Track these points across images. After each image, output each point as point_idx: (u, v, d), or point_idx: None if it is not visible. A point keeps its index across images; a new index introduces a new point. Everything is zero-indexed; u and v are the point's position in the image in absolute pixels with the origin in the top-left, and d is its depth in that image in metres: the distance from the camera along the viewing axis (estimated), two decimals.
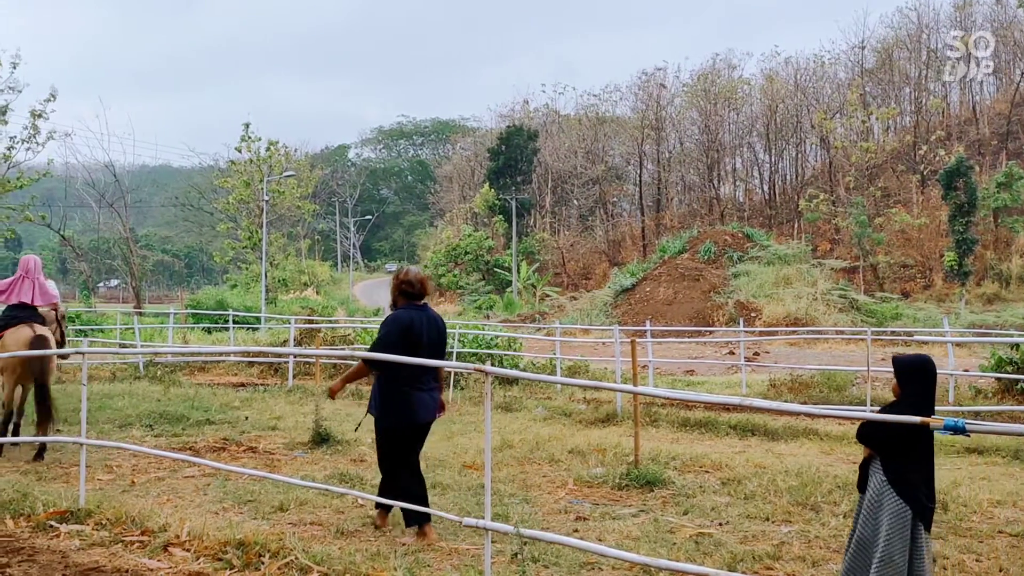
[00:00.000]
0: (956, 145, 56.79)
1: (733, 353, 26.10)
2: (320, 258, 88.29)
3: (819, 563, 6.11)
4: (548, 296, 59.14)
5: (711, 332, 30.35)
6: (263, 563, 5.83)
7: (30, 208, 38.60)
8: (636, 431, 9.31)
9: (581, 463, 9.65)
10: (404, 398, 6.69)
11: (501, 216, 71.21)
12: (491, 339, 19.79)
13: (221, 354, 20.47)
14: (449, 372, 16.41)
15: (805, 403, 14.11)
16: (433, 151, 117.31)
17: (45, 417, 10.07)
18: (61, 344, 11.07)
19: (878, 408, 5.76)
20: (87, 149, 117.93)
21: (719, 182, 73.70)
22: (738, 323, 27.12)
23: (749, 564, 6.07)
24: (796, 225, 61.84)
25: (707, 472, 9.21)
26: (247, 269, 57.62)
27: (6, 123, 36.23)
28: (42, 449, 9.85)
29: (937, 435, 4.55)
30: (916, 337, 21.92)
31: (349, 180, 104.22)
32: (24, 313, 10.46)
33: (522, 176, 73.07)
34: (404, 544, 6.52)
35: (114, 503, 7.21)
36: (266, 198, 48.96)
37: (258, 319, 31.41)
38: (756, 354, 26.54)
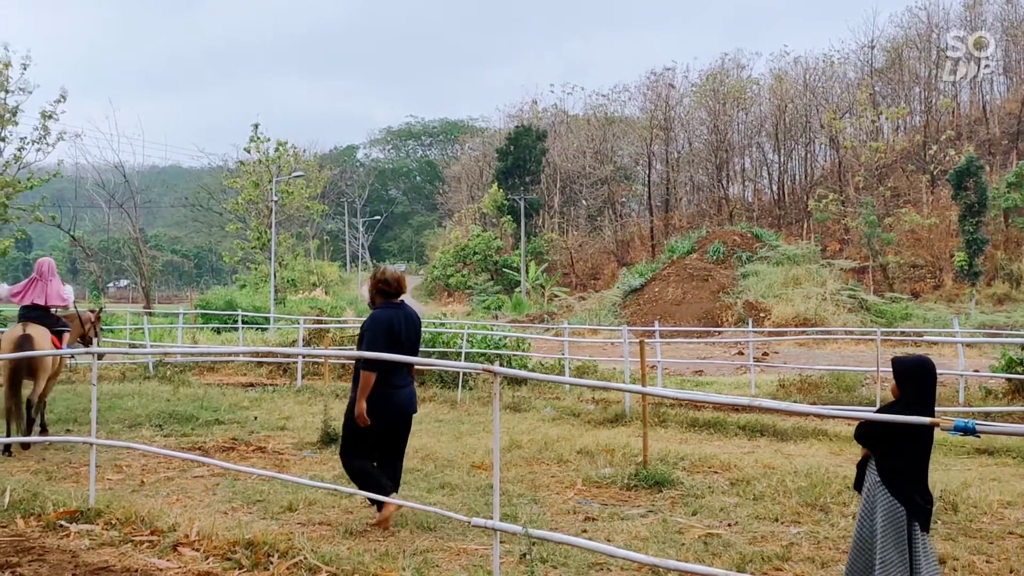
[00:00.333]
0: (966, 145, 56.61)
1: (742, 353, 26.05)
2: (329, 258, 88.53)
3: (828, 564, 6.09)
4: (557, 296, 59.16)
5: (720, 332, 30.30)
6: (272, 563, 5.83)
7: (40, 209, 38.78)
8: (645, 431, 9.29)
9: (590, 463, 9.64)
10: (384, 395, 6.86)
11: (510, 216, 71.23)
12: (500, 339, 19.77)
13: (230, 354, 20.50)
14: (458, 372, 16.44)
15: (814, 404, 14.07)
16: (441, 151, 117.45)
17: (23, 415, 10.34)
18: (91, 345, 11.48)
19: (875, 409, 5.75)
20: (97, 150, 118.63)
21: (728, 182, 73.65)
22: (747, 323, 27.07)
23: (758, 565, 6.05)
24: (805, 225, 61.72)
25: (716, 473, 9.19)
26: (256, 269, 57.72)
27: (17, 124, 36.42)
28: (7, 447, 9.98)
29: (947, 436, 4.53)
30: (926, 337, 21.84)
31: (358, 180, 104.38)
32: (34, 313, 10.73)
33: (531, 176, 73.08)
34: (376, 525, 6.78)
35: (124, 503, 7.23)
36: (275, 198, 49.05)
37: (267, 319, 31.45)
38: (765, 354, 26.48)
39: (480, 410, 14.38)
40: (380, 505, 6.94)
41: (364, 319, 7.47)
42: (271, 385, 17.89)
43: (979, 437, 5.30)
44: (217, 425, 12.23)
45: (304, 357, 18.25)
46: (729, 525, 7.14)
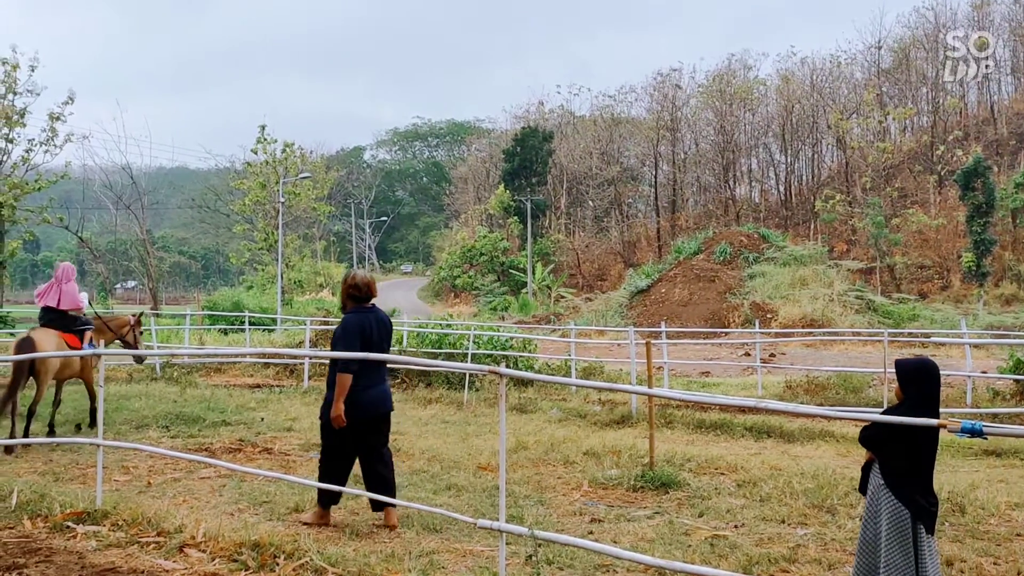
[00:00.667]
0: (974, 145, 56.45)
1: (749, 354, 26.02)
2: (336, 259, 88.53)
3: (835, 566, 6.08)
4: (563, 297, 59.13)
5: (726, 333, 30.24)
6: (278, 564, 5.84)
7: (48, 210, 38.94)
8: (651, 433, 9.28)
9: (596, 465, 9.63)
10: (358, 396, 6.97)
11: (516, 217, 71.22)
12: (506, 340, 19.76)
13: (237, 355, 20.51)
14: (464, 373, 16.45)
15: (821, 405, 14.04)
16: (448, 152, 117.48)
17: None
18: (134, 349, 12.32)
19: (881, 412, 5.75)
20: (104, 151, 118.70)
21: (735, 183, 73.50)
22: (754, 324, 26.99)
23: (764, 567, 6.04)
24: (812, 226, 61.60)
25: (722, 474, 9.18)
26: (263, 270, 57.83)
27: (24, 126, 36.60)
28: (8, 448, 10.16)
29: (955, 438, 4.53)
30: (933, 339, 21.74)
31: (364, 182, 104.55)
32: (49, 316, 11.25)
33: (537, 177, 73.05)
34: (305, 523, 6.97)
35: (130, 504, 7.24)
36: (282, 200, 49.13)
37: (274, 320, 31.49)
38: (772, 355, 26.45)
39: (487, 411, 14.38)
40: (325, 503, 7.17)
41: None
42: (278, 386, 17.91)
43: (986, 439, 5.30)
44: (224, 426, 12.25)
45: (311, 358, 18.27)
46: (735, 527, 7.13)
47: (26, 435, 10.66)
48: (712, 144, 73.86)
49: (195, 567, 5.87)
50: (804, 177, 72.07)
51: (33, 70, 36.06)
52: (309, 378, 18.11)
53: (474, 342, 18.65)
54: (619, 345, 22.69)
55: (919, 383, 4.73)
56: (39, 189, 36.79)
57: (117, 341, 12.42)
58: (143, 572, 5.83)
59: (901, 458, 4.66)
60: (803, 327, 33.78)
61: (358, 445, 7.11)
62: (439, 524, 6.98)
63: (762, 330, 25.85)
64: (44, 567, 5.91)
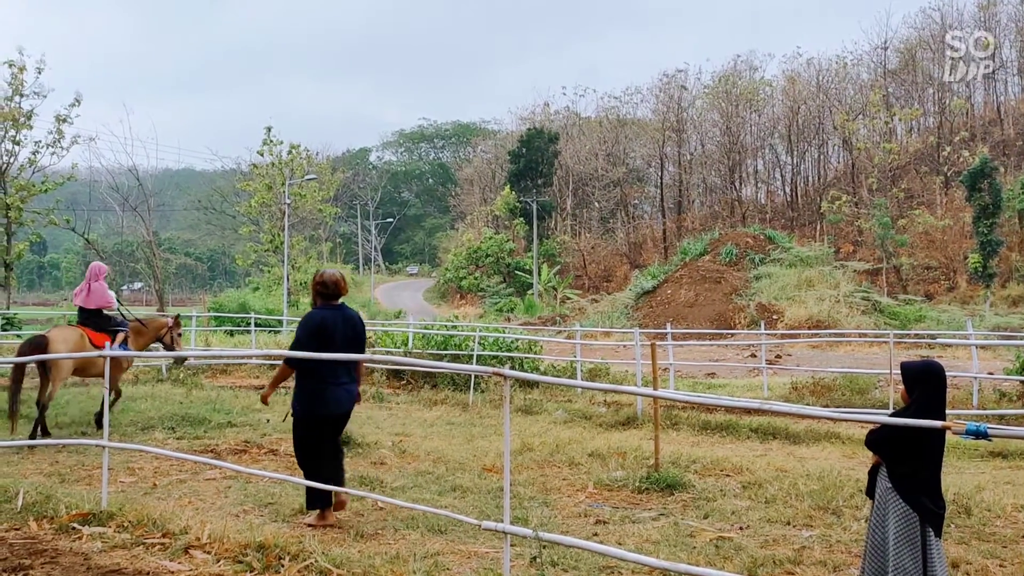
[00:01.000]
0: (980, 146, 56.27)
1: (754, 356, 25.99)
2: (341, 261, 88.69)
3: (840, 568, 6.07)
4: (569, 298, 59.14)
5: (732, 335, 30.23)
6: (283, 566, 5.85)
7: (55, 212, 39.02)
8: (656, 434, 9.27)
9: (601, 466, 9.62)
10: (319, 392, 7.11)
11: (522, 219, 71.21)
12: (511, 342, 19.77)
13: (243, 357, 20.55)
14: (469, 375, 16.45)
15: (827, 406, 14.02)
16: (454, 154, 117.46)
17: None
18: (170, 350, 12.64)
19: (888, 414, 5.74)
20: (111, 153, 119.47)
21: (740, 184, 73.47)
22: (759, 325, 27.00)
23: (770, 569, 6.03)
24: (818, 227, 61.51)
25: (728, 476, 9.16)
26: (269, 272, 57.87)
27: (31, 128, 36.63)
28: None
29: (960, 439, 4.53)
30: (940, 340, 21.72)
31: (370, 183, 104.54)
32: (84, 315, 11.70)
33: (543, 179, 73.03)
34: (310, 526, 6.96)
35: (136, 505, 7.26)
36: (288, 201, 49.18)
37: (280, 322, 31.51)
38: (778, 357, 26.40)
39: (492, 413, 14.38)
40: (322, 506, 7.19)
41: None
42: (283, 388, 17.89)
43: (990, 440, 5.29)
44: (229, 428, 12.26)
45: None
46: (741, 528, 7.12)
47: (34, 432, 10.74)
48: (718, 145, 73.84)
49: (200, 568, 5.88)
50: (810, 178, 71.98)
51: (40, 72, 36.10)
52: None
53: (479, 343, 18.65)
54: (624, 346, 22.66)
55: (925, 386, 4.72)
56: (46, 191, 36.86)
57: (156, 343, 12.59)
58: (148, 573, 5.84)
59: (908, 461, 4.65)
60: (809, 328, 33.75)
61: (325, 441, 7.28)
62: (444, 526, 6.98)
63: (768, 331, 25.83)
64: (50, 568, 5.93)
